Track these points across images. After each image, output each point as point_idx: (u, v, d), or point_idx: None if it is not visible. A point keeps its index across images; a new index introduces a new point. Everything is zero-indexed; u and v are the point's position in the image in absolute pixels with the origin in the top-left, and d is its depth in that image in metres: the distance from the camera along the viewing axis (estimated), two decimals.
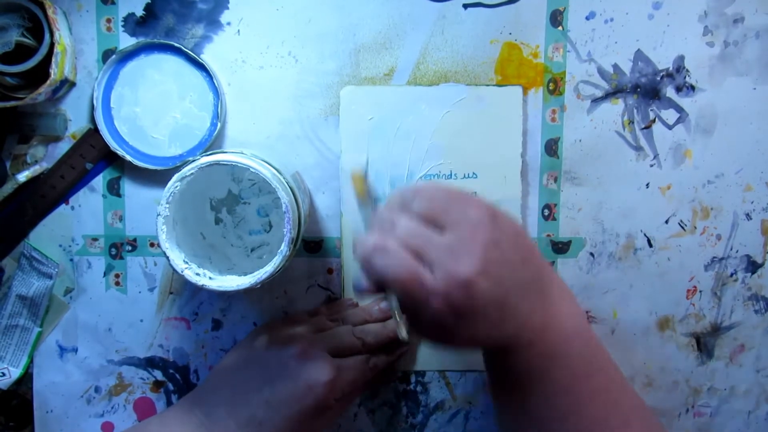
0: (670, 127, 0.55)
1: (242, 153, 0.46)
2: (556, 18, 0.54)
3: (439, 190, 0.40)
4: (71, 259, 0.55)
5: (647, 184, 0.56)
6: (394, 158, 0.55)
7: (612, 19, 0.54)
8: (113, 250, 0.55)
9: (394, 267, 0.37)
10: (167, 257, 0.45)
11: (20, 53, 0.50)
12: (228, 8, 0.53)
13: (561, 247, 0.56)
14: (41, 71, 0.49)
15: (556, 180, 0.55)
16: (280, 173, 0.46)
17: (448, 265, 0.37)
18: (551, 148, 0.55)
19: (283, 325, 0.53)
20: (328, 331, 0.53)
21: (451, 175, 0.55)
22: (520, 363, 0.42)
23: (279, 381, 0.49)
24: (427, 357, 0.57)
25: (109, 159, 0.55)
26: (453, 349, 0.44)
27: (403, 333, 0.39)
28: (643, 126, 0.55)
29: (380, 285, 0.39)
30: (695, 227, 0.57)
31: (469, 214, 0.39)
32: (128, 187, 0.55)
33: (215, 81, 0.53)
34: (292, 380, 0.49)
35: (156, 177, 0.54)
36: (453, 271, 0.37)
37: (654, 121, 0.55)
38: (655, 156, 0.56)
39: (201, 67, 0.53)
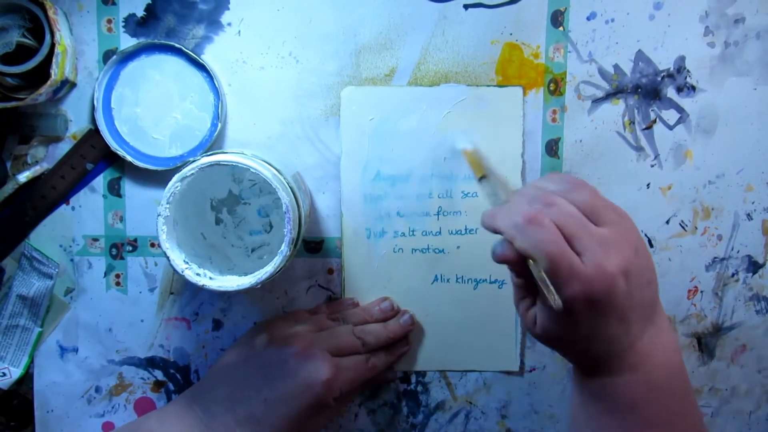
0: (670, 128, 0.55)
1: (243, 153, 0.46)
2: (557, 18, 0.54)
3: (596, 191, 0.42)
4: (72, 260, 0.55)
5: (648, 185, 0.56)
6: (395, 159, 0.55)
7: (613, 20, 0.54)
8: (114, 250, 0.55)
9: (548, 242, 0.38)
10: (168, 257, 0.45)
11: (21, 54, 0.50)
12: (229, 9, 0.53)
13: None
14: (42, 72, 0.49)
15: None
16: (280, 174, 0.46)
17: (598, 256, 0.38)
18: (552, 148, 0.55)
19: (283, 323, 0.53)
20: (327, 330, 0.53)
21: (452, 175, 0.55)
22: (621, 388, 0.41)
23: (278, 379, 0.49)
24: (428, 357, 0.57)
25: (110, 159, 0.55)
26: (562, 346, 0.43)
27: (558, 300, 0.38)
28: (644, 126, 0.55)
29: (524, 255, 0.39)
30: (696, 227, 0.56)
31: (624, 219, 0.41)
32: (129, 187, 0.55)
33: (216, 81, 0.53)
34: (291, 378, 0.49)
35: (156, 177, 0.54)
36: (602, 262, 0.38)
37: (655, 121, 0.55)
38: (656, 156, 0.56)
39: (202, 67, 0.53)
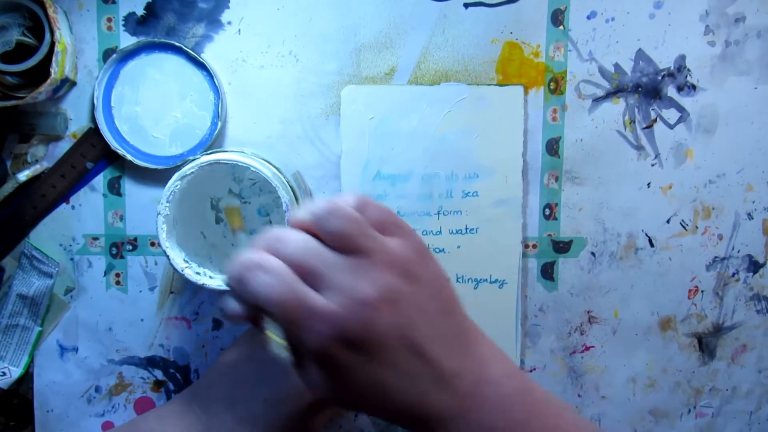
0: (671, 127, 0.55)
1: (243, 152, 0.46)
2: (557, 17, 0.54)
3: (373, 207, 0.34)
4: (72, 259, 0.55)
5: (648, 184, 0.56)
6: (395, 158, 0.55)
7: (613, 19, 0.54)
8: (114, 249, 0.55)
9: (272, 285, 0.31)
10: (167, 256, 0.45)
11: (21, 52, 0.50)
12: (229, 7, 0.53)
13: (562, 247, 0.56)
14: (42, 70, 0.49)
15: (557, 179, 0.55)
16: (280, 172, 0.46)
17: (346, 285, 0.32)
18: (552, 147, 0.55)
19: None
20: None
21: (452, 175, 0.55)
22: None
23: (277, 378, 0.49)
24: None
25: (110, 158, 0.55)
26: (365, 408, 0.34)
27: (283, 352, 0.32)
28: (644, 126, 0.55)
29: (255, 309, 0.32)
30: (697, 227, 0.56)
31: (389, 243, 0.34)
32: (129, 186, 0.55)
33: (216, 80, 0.53)
34: (291, 378, 0.49)
35: (156, 176, 0.54)
36: (351, 290, 0.31)
37: (655, 120, 0.55)
38: (657, 155, 0.56)
39: (202, 66, 0.53)
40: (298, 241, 0.33)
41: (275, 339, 0.33)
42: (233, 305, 0.33)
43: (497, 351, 0.37)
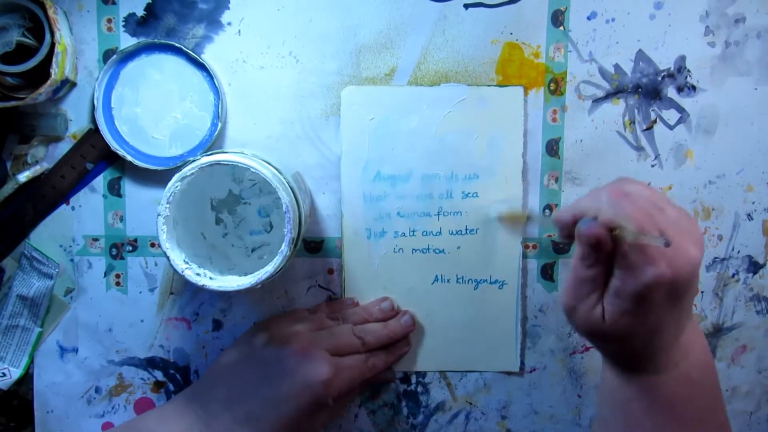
0: (671, 128, 0.55)
1: (243, 153, 0.46)
2: (557, 18, 0.54)
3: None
4: (72, 260, 0.55)
5: (648, 185, 0.56)
6: (395, 158, 0.55)
7: (613, 19, 0.54)
8: (114, 250, 0.55)
9: (637, 208, 0.38)
10: (168, 257, 0.45)
11: (21, 53, 0.50)
12: (229, 8, 0.53)
13: (562, 248, 0.56)
14: (42, 71, 0.49)
15: (557, 180, 0.55)
16: (280, 173, 0.46)
17: (680, 240, 0.37)
18: (552, 148, 0.55)
19: (283, 323, 0.53)
20: (327, 330, 0.53)
21: (452, 175, 0.55)
22: (662, 386, 0.41)
23: (277, 378, 0.49)
24: (428, 358, 0.57)
25: (110, 159, 0.55)
26: (623, 341, 0.41)
27: (662, 239, 0.36)
28: (644, 127, 0.55)
29: (611, 228, 0.38)
30: None
31: (682, 209, 0.41)
32: (129, 187, 0.55)
33: (216, 81, 0.53)
34: (291, 377, 0.49)
35: (156, 177, 0.54)
36: (685, 245, 0.37)
37: (655, 121, 0.55)
38: (657, 156, 0.56)
39: (202, 67, 0.53)
40: (640, 192, 0.40)
41: (639, 235, 0.37)
42: (590, 224, 0.39)
43: (696, 324, 0.44)
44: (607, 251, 0.39)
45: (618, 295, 0.39)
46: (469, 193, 0.55)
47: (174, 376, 0.57)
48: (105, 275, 0.56)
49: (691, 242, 0.38)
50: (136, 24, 0.53)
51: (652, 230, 0.37)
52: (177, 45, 0.52)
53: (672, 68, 0.55)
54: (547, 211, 0.55)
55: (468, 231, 0.55)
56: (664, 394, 0.41)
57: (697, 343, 0.43)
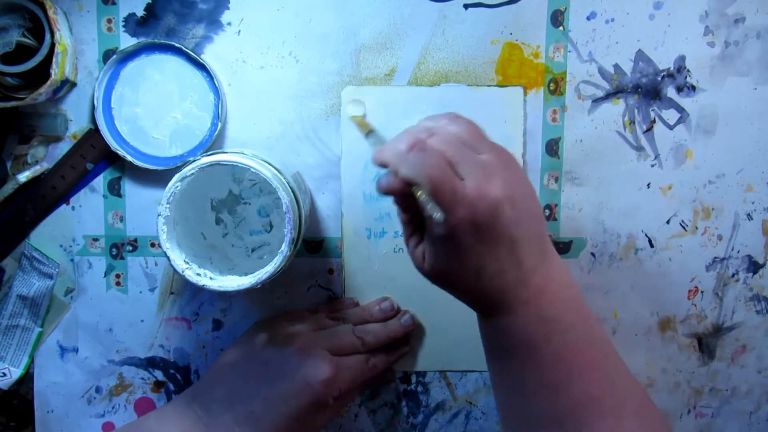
0: (671, 128, 0.55)
1: (243, 153, 0.46)
2: (557, 18, 0.54)
3: (475, 124, 0.42)
4: (72, 260, 0.55)
5: (648, 185, 0.56)
6: None
7: (613, 19, 0.54)
8: (114, 250, 0.55)
9: (430, 166, 0.37)
10: (168, 257, 0.45)
11: (21, 53, 0.50)
12: (229, 8, 0.53)
13: (562, 248, 0.56)
14: (42, 71, 0.49)
15: (557, 180, 0.55)
16: (280, 173, 0.46)
17: (481, 180, 0.38)
18: (552, 148, 0.55)
19: (283, 322, 0.53)
20: (328, 329, 0.53)
21: None
22: (516, 325, 0.40)
23: (277, 377, 0.49)
24: (428, 357, 0.57)
25: (110, 159, 0.55)
26: (452, 283, 0.41)
27: (440, 213, 0.37)
28: (645, 129, 0.55)
29: (409, 183, 0.38)
30: (696, 227, 0.56)
31: (502, 149, 0.41)
32: (129, 187, 0.55)
33: (216, 81, 0.53)
34: (291, 377, 0.49)
35: (156, 177, 0.54)
36: (485, 186, 0.37)
37: (655, 121, 0.55)
38: (656, 156, 0.56)
39: (202, 67, 0.53)
40: (446, 136, 0.39)
41: (429, 201, 0.37)
42: (390, 179, 0.39)
43: (561, 263, 0.43)
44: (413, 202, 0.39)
45: (430, 240, 0.40)
46: None
47: (174, 376, 0.57)
48: (105, 275, 0.56)
49: (494, 181, 0.38)
50: (136, 24, 0.53)
51: (446, 188, 0.37)
52: (177, 45, 0.52)
53: (672, 68, 0.55)
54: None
55: None
56: (518, 334, 0.41)
57: (557, 282, 0.41)
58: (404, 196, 0.39)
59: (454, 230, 0.38)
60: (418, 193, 0.38)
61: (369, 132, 0.48)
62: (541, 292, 0.40)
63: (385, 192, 0.40)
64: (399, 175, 0.38)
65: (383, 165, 0.40)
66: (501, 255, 0.39)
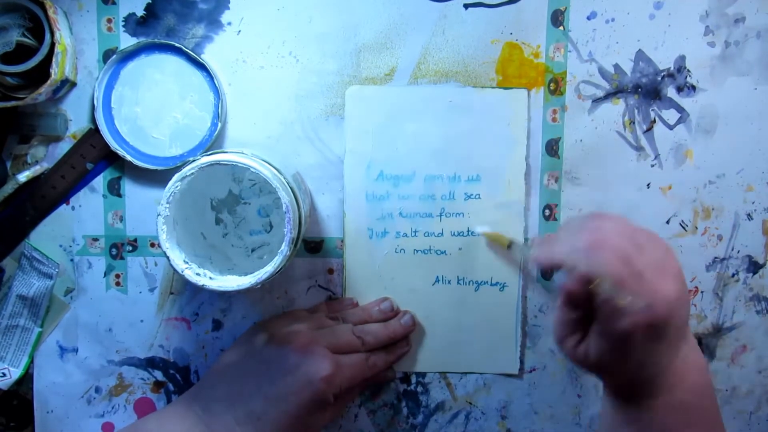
0: (671, 128, 0.55)
1: (243, 153, 0.46)
2: (557, 18, 0.54)
3: (624, 218, 0.43)
4: (72, 260, 0.55)
5: (648, 185, 0.56)
6: (398, 159, 0.55)
7: (613, 19, 0.54)
8: (114, 250, 0.55)
9: (611, 262, 0.38)
10: (168, 257, 0.45)
11: (21, 53, 0.49)
12: (229, 8, 0.53)
13: None
14: (42, 71, 0.49)
15: (557, 180, 0.55)
16: (280, 173, 0.46)
17: (656, 280, 0.38)
18: (552, 148, 0.55)
19: (283, 322, 0.53)
20: (328, 328, 0.53)
21: (455, 177, 0.55)
22: (656, 412, 0.41)
23: (278, 375, 0.49)
24: (428, 358, 0.57)
25: (110, 159, 0.55)
26: (610, 374, 0.42)
27: (630, 298, 0.38)
28: (645, 129, 0.55)
29: (588, 281, 0.39)
30: (696, 227, 0.56)
31: (659, 241, 0.41)
32: (129, 187, 0.55)
33: (216, 81, 0.53)
34: (291, 374, 0.49)
35: (156, 177, 0.54)
36: (662, 285, 0.38)
37: (654, 121, 0.55)
38: (656, 156, 0.56)
39: (202, 67, 0.53)
40: (613, 229, 0.40)
41: (615, 291, 0.38)
42: (571, 280, 0.40)
43: (696, 344, 0.44)
44: (586, 299, 0.40)
45: (600, 336, 0.40)
46: (471, 194, 0.55)
47: (174, 376, 0.57)
48: (105, 275, 0.56)
49: (668, 280, 0.39)
50: (136, 24, 0.53)
51: (629, 279, 0.38)
52: (177, 45, 0.52)
53: (672, 68, 0.55)
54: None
55: (470, 232, 0.55)
56: (658, 419, 0.42)
57: (694, 365, 0.42)
58: (581, 294, 0.40)
59: (631, 330, 0.38)
60: (600, 287, 0.38)
61: (510, 244, 0.51)
62: (681, 377, 0.41)
63: (568, 295, 0.40)
64: (578, 274, 0.39)
65: (553, 267, 0.41)
66: (662, 350, 0.40)
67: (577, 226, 0.42)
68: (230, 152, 0.45)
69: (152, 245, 0.55)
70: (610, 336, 0.39)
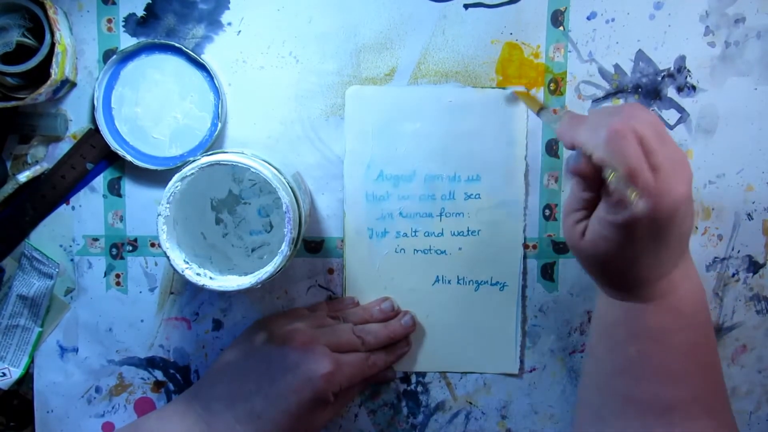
0: (671, 128, 0.55)
1: (243, 153, 0.46)
2: (557, 18, 0.54)
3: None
4: (72, 259, 0.55)
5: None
6: (399, 159, 0.55)
7: (613, 19, 0.54)
8: (114, 250, 0.55)
9: (629, 154, 0.38)
10: (168, 257, 0.45)
11: (21, 53, 0.49)
12: (229, 8, 0.53)
13: (562, 248, 0.56)
14: (42, 71, 0.49)
15: (557, 180, 0.55)
16: (280, 173, 0.46)
17: (671, 176, 0.38)
18: (552, 148, 0.55)
19: (283, 320, 0.53)
20: (328, 327, 0.53)
21: (455, 177, 0.55)
22: (647, 313, 0.42)
23: (278, 374, 0.49)
24: (428, 358, 0.57)
25: (110, 159, 0.55)
26: (602, 264, 0.43)
27: (635, 195, 0.38)
28: None
29: (599, 166, 0.39)
30: (696, 227, 0.56)
31: (679, 148, 0.41)
32: (129, 187, 0.55)
33: (216, 81, 0.53)
34: (291, 373, 0.49)
35: (156, 177, 0.54)
36: (673, 183, 0.38)
37: None
38: None
39: (202, 67, 0.53)
40: (647, 119, 0.40)
41: (625, 186, 0.38)
42: (581, 162, 0.40)
43: (693, 264, 0.45)
44: (598, 184, 0.41)
45: (600, 222, 0.41)
46: (472, 194, 0.55)
47: (174, 376, 0.57)
48: (105, 275, 0.56)
49: (681, 180, 0.39)
50: (136, 24, 0.53)
51: (643, 174, 0.38)
52: (177, 45, 0.52)
53: (672, 68, 0.55)
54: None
55: (470, 232, 0.55)
56: (649, 321, 0.42)
57: (690, 280, 0.43)
58: (591, 177, 0.40)
59: (634, 221, 0.39)
60: (610, 177, 0.38)
61: (541, 109, 0.49)
62: (676, 286, 0.42)
63: (575, 174, 0.41)
64: (594, 159, 0.39)
65: (573, 146, 0.41)
66: (660, 250, 0.40)
67: (608, 112, 0.41)
68: (230, 152, 0.45)
69: (152, 245, 0.55)
70: (611, 223, 0.40)
